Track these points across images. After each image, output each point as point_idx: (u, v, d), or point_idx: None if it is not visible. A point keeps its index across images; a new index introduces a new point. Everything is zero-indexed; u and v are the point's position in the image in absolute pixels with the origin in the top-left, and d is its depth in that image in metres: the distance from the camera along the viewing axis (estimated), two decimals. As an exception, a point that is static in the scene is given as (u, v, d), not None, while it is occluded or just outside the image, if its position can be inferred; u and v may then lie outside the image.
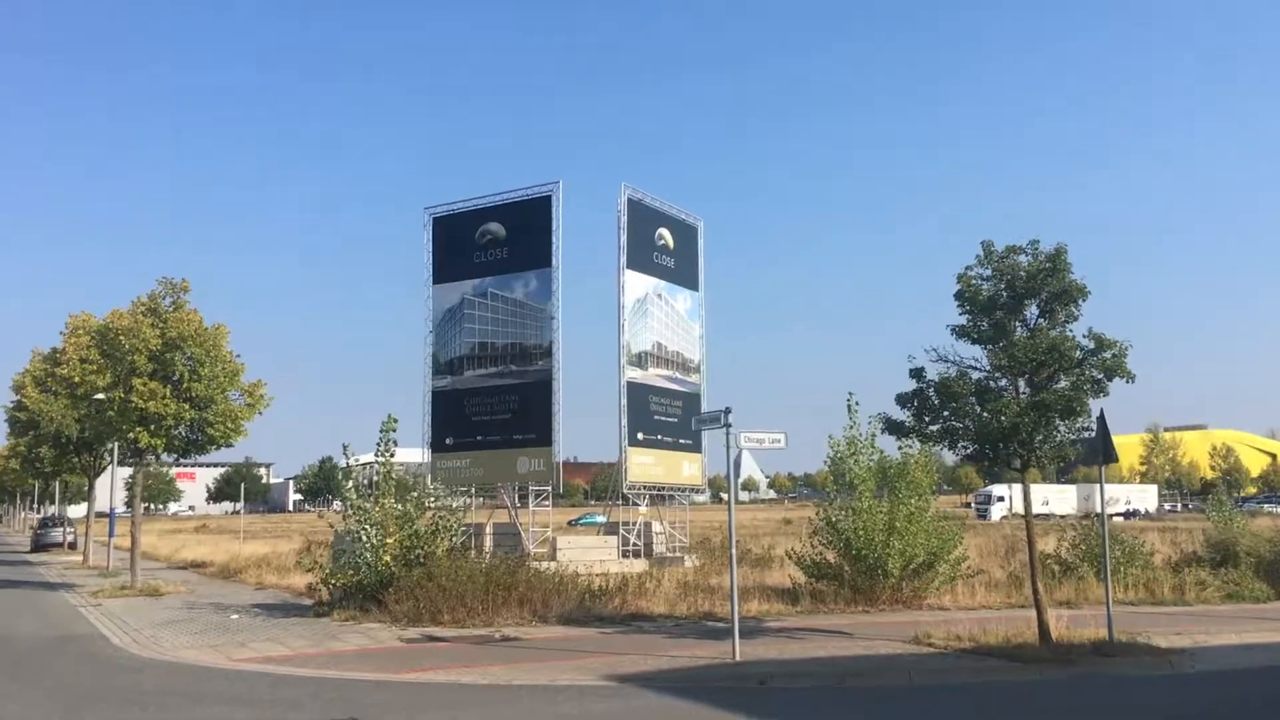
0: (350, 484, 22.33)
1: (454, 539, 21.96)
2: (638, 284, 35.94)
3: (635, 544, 35.29)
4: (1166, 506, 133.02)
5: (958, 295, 16.90)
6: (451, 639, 17.43)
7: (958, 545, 23.23)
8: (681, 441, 37.22)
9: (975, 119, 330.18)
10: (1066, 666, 14.71)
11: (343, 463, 22.20)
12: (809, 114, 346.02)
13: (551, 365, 34.21)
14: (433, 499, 22.40)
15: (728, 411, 15.02)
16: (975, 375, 16.43)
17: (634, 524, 35.74)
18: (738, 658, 14.78)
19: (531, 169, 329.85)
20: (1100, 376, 15.68)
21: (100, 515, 51.55)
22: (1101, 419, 16.21)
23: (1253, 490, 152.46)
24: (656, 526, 37.90)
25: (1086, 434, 16.52)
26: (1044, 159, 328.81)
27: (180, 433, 29.09)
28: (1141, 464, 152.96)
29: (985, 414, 15.85)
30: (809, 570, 23.35)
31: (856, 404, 23.33)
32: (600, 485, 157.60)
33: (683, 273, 38.53)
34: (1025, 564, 27.32)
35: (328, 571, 21.35)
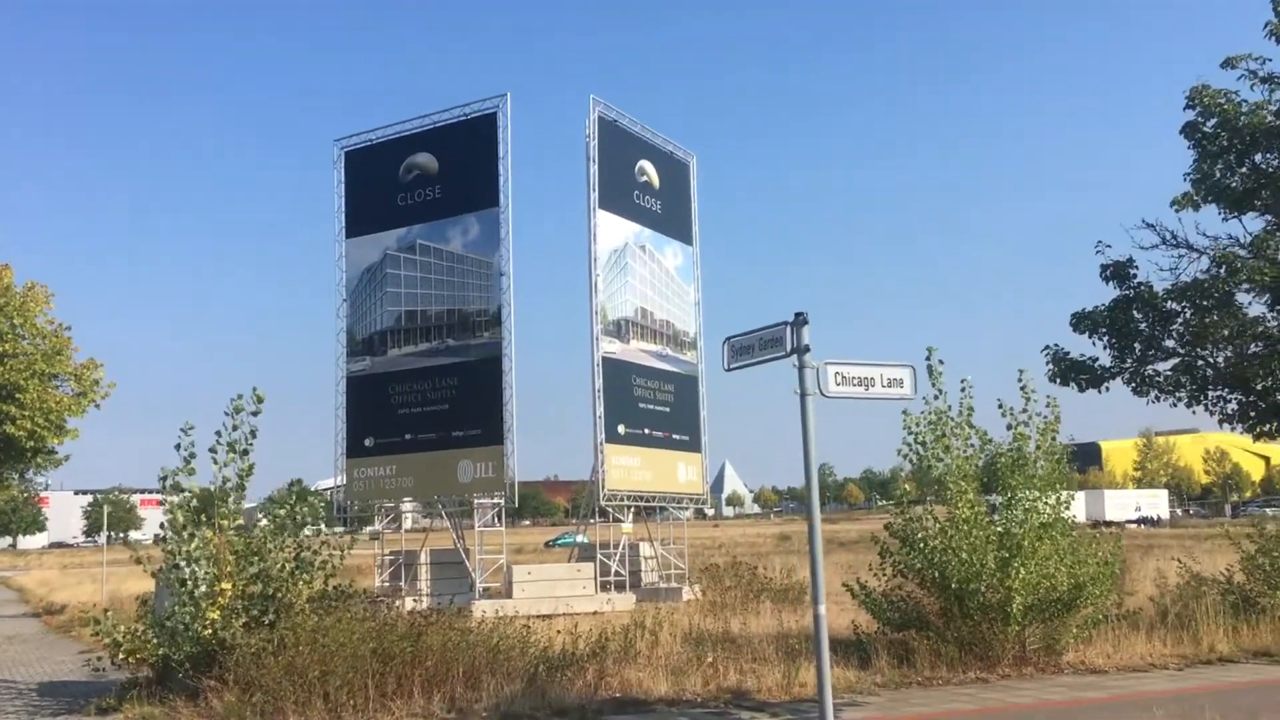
0: (176, 500, 14.68)
1: (329, 578, 14.45)
2: (614, 230, 28.53)
3: (618, 573, 27.78)
4: (1178, 512, 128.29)
5: (1190, 129, 9.51)
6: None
7: (1116, 570, 15.82)
8: (676, 437, 29.88)
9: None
10: None
11: (183, 467, 14.55)
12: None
13: (501, 337, 26.77)
14: (305, 520, 14.73)
15: (801, 323, 7.54)
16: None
17: (616, 546, 28.18)
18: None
19: (472, 87, 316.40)
20: None
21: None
22: None
23: (1247, 495, 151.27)
24: (645, 549, 30.42)
25: None
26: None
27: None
28: (1136, 469, 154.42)
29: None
30: (885, 614, 15.93)
31: (941, 364, 15.94)
32: (580, 501, 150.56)
33: (672, 220, 31.18)
34: (1175, 591, 20.09)
35: (114, 639, 13.73)
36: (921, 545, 15.80)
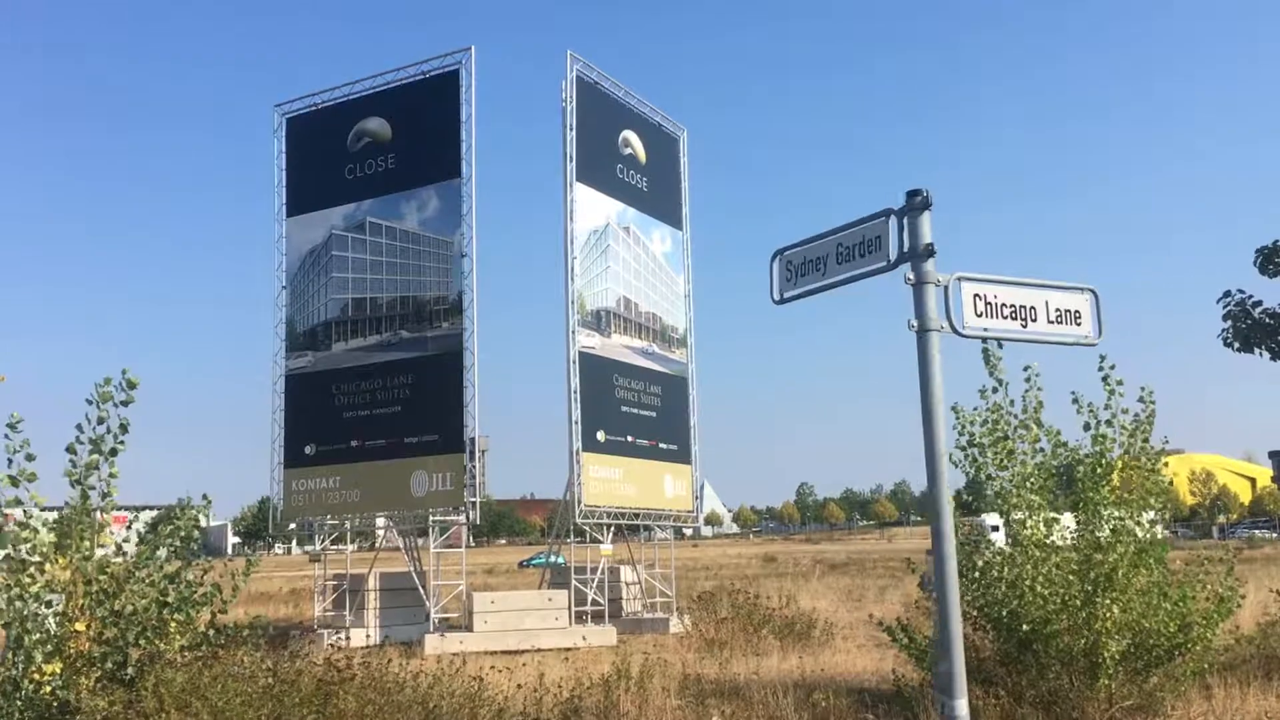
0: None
1: (216, 615, 11.18)
2: (594, 207, 25.41)
3: (596, 601, 24.47)
4: (1167, 534, 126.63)
5: None
6: None
7: (1233, 609, 12.66)
8: (663, 446, 26.71)
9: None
10: None
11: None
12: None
13: (462, 327, 23.56)
14: (177, 541, 11.40)
15: (917, 209, 4.23)
16: None
17: (594, 570, 24.88)
18: None
19: (432, 42, 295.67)
20: None
21: None
22: None
23: (1234, 517, 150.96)
24: (627, 573, 27.17)
25: None
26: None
27: None
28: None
29: None
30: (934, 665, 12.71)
31: (1000, 346, 12.80)
32: (555, 519, 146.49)
33: (660, 200, 28.07)
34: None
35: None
36: (979, 577, 12.79)
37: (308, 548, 25.30)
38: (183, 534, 11.19)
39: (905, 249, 4.77)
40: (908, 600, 28.08)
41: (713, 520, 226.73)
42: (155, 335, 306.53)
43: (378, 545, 29.52)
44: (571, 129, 24.75)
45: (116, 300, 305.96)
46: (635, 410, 25.92)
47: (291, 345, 25.92)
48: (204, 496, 12.20)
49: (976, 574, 12.91)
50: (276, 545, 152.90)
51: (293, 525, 26.11)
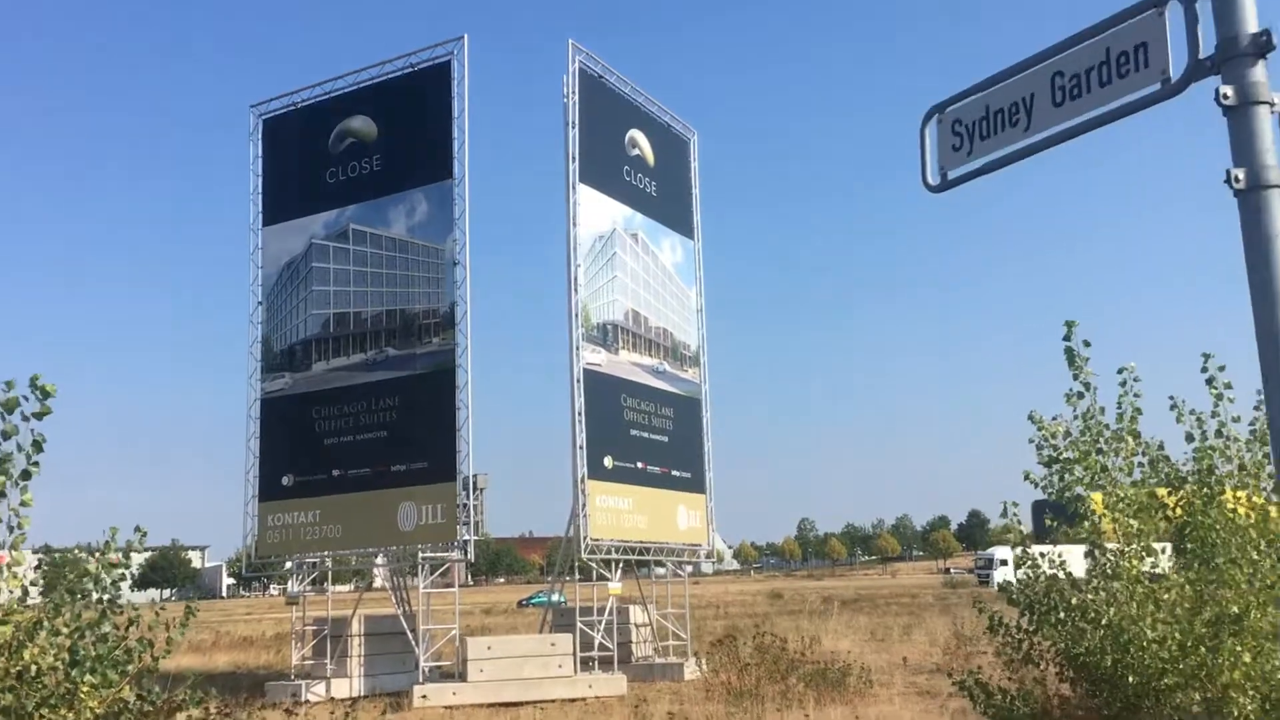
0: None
1: (146, 674, 9.13)
2: (599, 210, 23.61)
3: (604, 645, 22.37)
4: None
5: None
6: None
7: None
8: (675, 474, 24.85)
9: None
10: None
11: None
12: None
13: (454, 343, 21.73)
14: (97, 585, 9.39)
15: None
16: None
17: (601, 610, 22.77)
18: None
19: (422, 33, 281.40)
20: None
21: None
22: None
23: None
24: (637, 614, 25.07)
25: None
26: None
27: None
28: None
29: None
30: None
31: (1087, 345, 10.82)
32: (556, 555, 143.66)
33: (670, 206, 26.32)
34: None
35: None
36: (1065, 619, 10.73)
37: (294, 589, 23.55)
38: (100, 577, 9.13)
39: (1205, 53, 2.78)
40: (935, 639, 26.22)
41: (713, 556, 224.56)
42: (157, 340, 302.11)
43: (361, 585, 27.54)
44: (574, 126, 22.98)
45: (116, 301, 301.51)
46: (646, 434, 24.00)
47: (268, 366, 24.06)
48: (137, 529, 10.19)
49: (1063, 614, 10.89)
50: (272, 586, 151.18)
51: (288, 564, 24.12)
